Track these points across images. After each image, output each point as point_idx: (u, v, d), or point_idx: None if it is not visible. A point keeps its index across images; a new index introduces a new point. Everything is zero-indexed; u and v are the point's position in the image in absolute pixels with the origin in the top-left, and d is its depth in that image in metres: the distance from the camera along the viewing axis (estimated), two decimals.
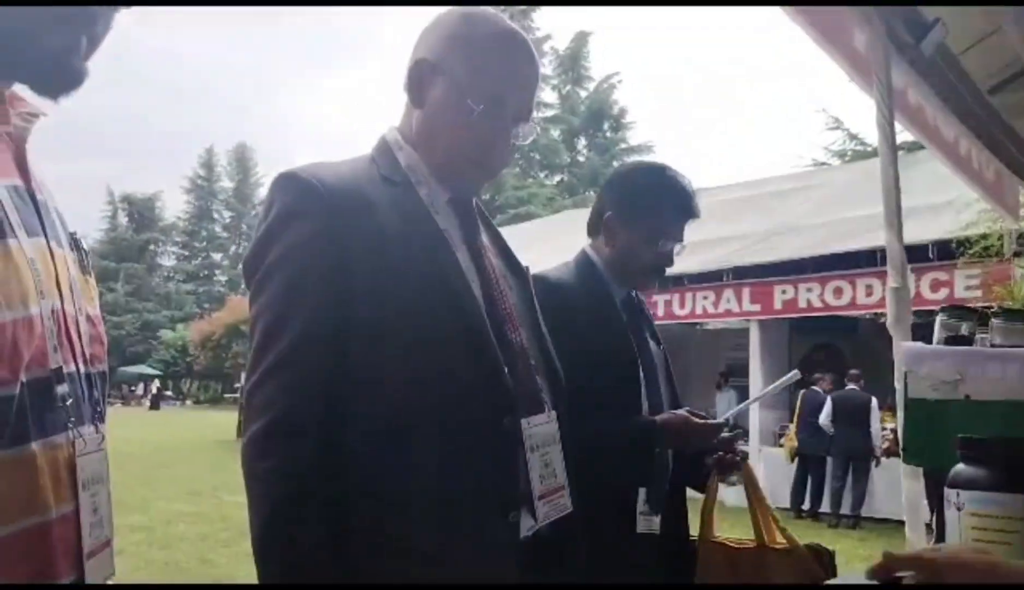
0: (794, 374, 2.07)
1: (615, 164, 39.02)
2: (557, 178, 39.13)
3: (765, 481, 10.74)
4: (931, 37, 2.92)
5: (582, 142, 40.12)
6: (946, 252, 9.00)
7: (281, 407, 1.11)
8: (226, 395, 42.02)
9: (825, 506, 9.89)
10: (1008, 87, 3.81)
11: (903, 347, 1.62)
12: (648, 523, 1.85)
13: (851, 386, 9.78)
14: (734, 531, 2.01)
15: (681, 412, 1.83)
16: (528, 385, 1.26)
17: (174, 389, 48.86)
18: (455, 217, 1.31)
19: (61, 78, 0.86)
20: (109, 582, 0.94)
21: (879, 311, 9.88)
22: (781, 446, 10.93)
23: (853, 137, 22.41)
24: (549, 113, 38.15)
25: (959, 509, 1.02)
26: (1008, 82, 3.78)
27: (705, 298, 11.48)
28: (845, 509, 9.63)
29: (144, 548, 7.11)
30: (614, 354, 1.84)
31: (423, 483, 1.13)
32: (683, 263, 10.95)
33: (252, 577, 1.11)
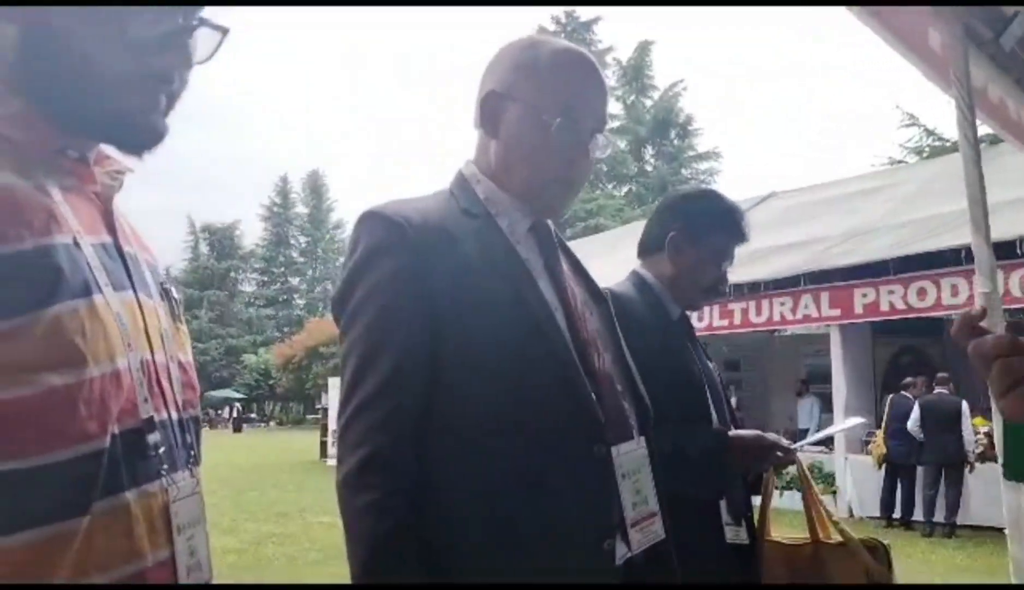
0: (860, 421, 2.09)
1: (683, 172, 38.82)
2: (625, 188, 38.90)
3: (852, 490, 10.46)
4: (1012, 30, 2.84)
5: (649, 151, 39.83)
6: None
7: (375, 444, 1.13)
8: (308, 417, 42.98)
9: (918, 515, 9.55)
10: None
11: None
12: (736, 533, 1.86)
13: (940, 390, 9.47)
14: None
15: (753, 431, 1.87)
16: (615, 412, 1.27)
17: (258, 411, 50.25)
18: (536, 245, 1.33)
19: (143, 137, 0.91)
20: None
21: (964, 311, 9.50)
22: (868, 454, 10.62)
23: (930, 133, 21.74)
24: (615, 124, 38.01)
25: None
26: None
27: (783, 304, 11.23)
28: (939, 517, 9.29)
29: (236, 571, 7.32)
30: (683, 372, 1.89)
31: (517, 514, 1.14)
32: (759, 269, 10.79)
33: None
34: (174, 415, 0.94)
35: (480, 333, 1.18)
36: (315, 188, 64.95)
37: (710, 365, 2.06)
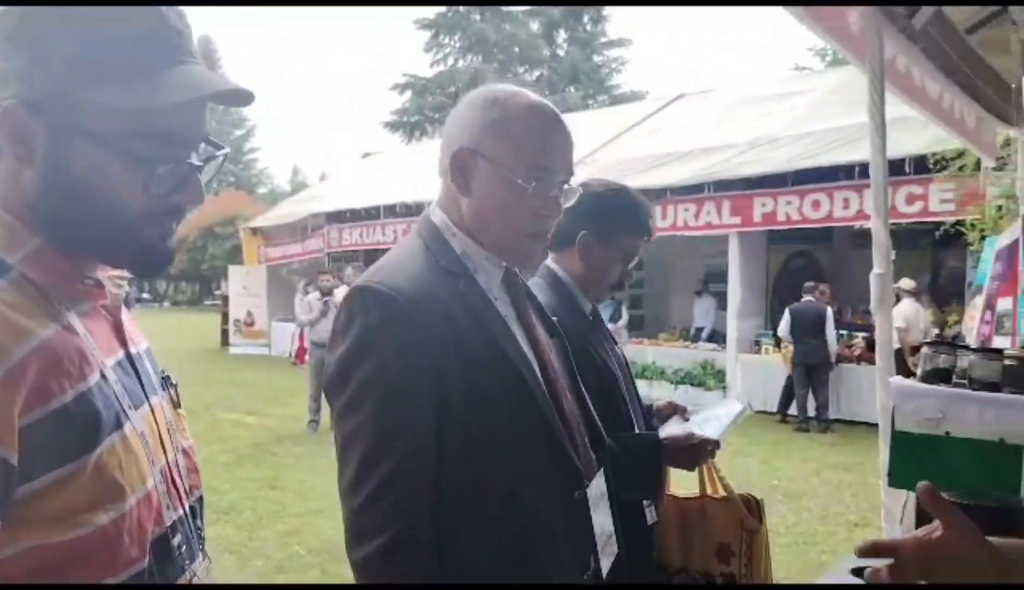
0: (747, 409, 2.25)
1: (595, 58, 38.46)
2: (536, 73, 38.34)
3: (742, 386, 11.19)
4: (923, 12, 2.99)
5: (562, 35, 39.16)
6: (922, 166, 9.15)
7: (397, 527, 1.18)
8: (205, 301, 42.05)
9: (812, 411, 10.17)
10: (986, 25, 3.94)
11: (892, 383, 1.79)
12: (651, 515, 2.06)
13: (807, 297, 9.99)
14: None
15: (682, 431, 2.00)
16: (584, 452, 1.39)
17: (151, 291, 48.72)
18: (508, 298, 1.41)
19: (159, 264, 0.97)
20: None
21: (855, 224, 10.12)
22: (757, 353, 11.33)
23: None
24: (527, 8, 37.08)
25: None
26: (986, 21, 3.90)
27: (687, 210, 11.61)
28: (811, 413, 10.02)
29: None
30: (604, 371, 2.00)
31: (514, 564, 1.24)
32: (666, 175, 11.11)
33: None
34: (186, 505, 1.01)
35: (478, 401, 1.24)
36: (206, 55, 61.33)
37: (618, 351, 2.19)
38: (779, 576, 4.93)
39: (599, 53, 38.53)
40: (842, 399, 10.13)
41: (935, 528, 0.94)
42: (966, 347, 1.76)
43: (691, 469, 2.06)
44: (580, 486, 1.34)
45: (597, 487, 1.40)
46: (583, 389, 1.51)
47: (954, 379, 1.66)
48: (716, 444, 1.99)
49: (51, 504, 0.81)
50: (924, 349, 1.73)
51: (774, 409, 10.41)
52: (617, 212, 2.06)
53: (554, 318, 1.59)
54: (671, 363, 12.14)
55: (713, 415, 2.27)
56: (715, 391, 11.57)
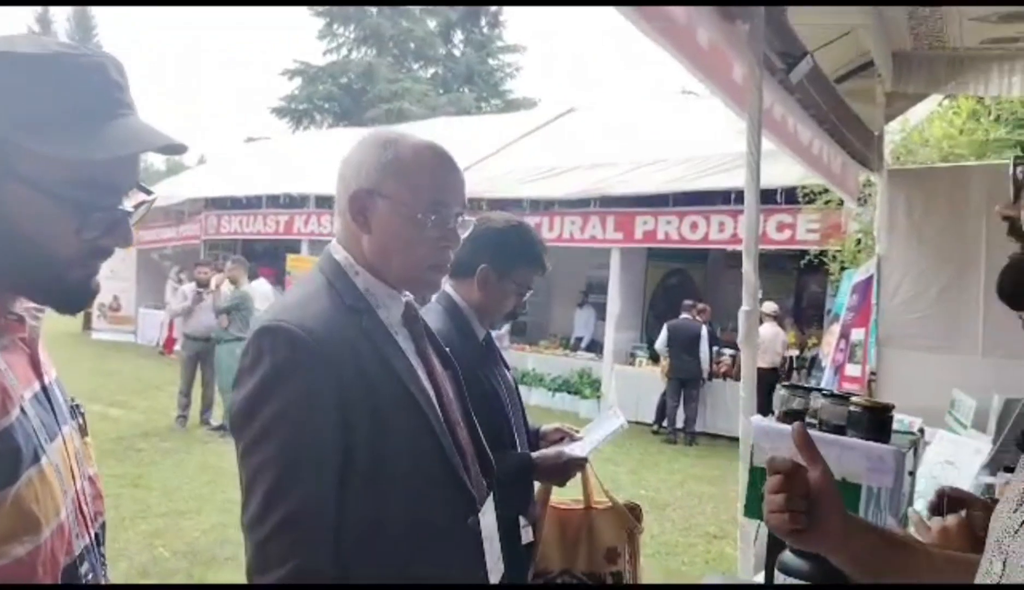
0: (624, 424, 2.44)
1: (490, 61, 38.73)
2: (431, 71, 38.21)
3: (615, 395, 11.57)
4: (800, 68, 3.22)
5: (458, 35, 39.19)
6: (793, 197, 9.75)
7: (301, 559, 1.23)
8: None
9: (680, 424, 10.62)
10: (855, 76, 4.31)
11: (752, 422, 1.94)
12: (527, 533, 2.17)
13: (684, 315, 10.49)
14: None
15: (553, 450, 2.13)
16: (476, 478, 1.47)
17: None
18: (408, 331, 1.48)
19: (83, 301, 0.99)
20: None
21: (729, 246, 10.68)
22: (632, 365, 11.74)
23: None
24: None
25: None
26: (855, 72, 4.27)
27: (573, 223, 11.96)
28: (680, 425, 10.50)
29: None
30: (492, 396, 2.11)
31: (414, 582, 1.32)
32: (554, 187, 11.38)
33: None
34: (91, 533, 1.03)
35: (381, 435, 1.30)
36: (84, 32, 57.88)
37: (508, 375, 2.30)
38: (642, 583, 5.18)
39: (494, 57, 38.74)
40: (708, 413, 10.64)
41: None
42: (819, 390, 1.93)
43: (561, 485, 2.21)
44: (474, 512, 1.42)
45: (489, 513, 1.49)
46: (474, 418, 1.59)
47: (807, 419, 1.83)
48: (584, 461, 2.15)
49: None
50: (781, 391, 1.90)
51: (646, 420, 10.83)
52: (515, 247, 2.19)
53: (448, 346, 1.66)
54: (550, 370, 12.41)
55: (595, 428, 2.44)
56: (590, 400, 11.91)
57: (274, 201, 16.03)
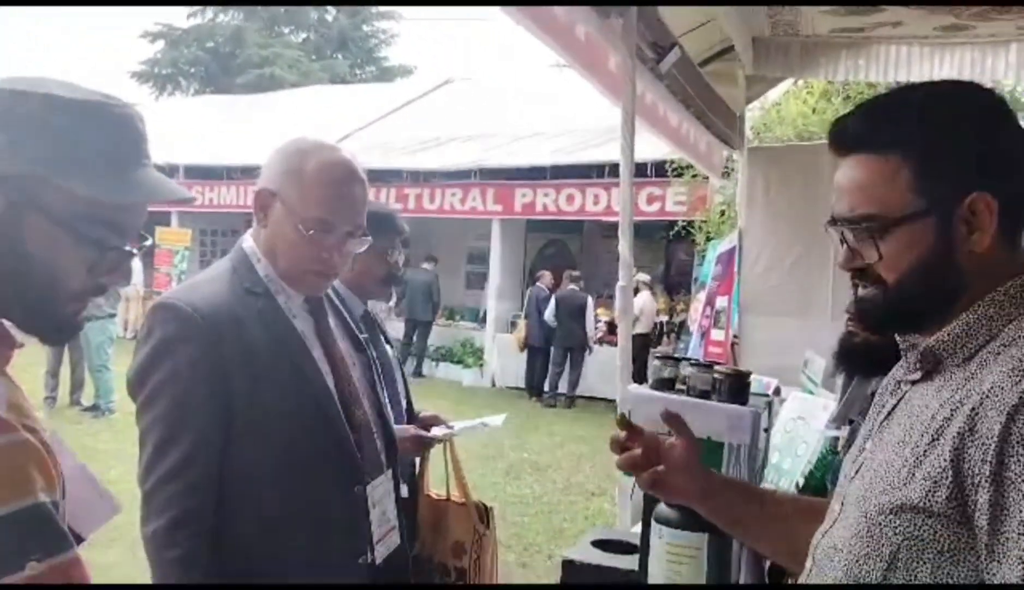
0: (498, 425, 2.63)
1: (364, 27, 37.88)
2: (303, 36, 37.05)
3: (497, 363, 11.86)
4: (669, 58, 3.47)
5: None
6: (662, 171, 10.20)
7: (181, 508, 1.39)
8: None
9: (548, 387, 11.14)
10: (717, 60, 4.62)
11: (629, 390, 2.16)
12: (403, 491, 2.31)
13: (571, 286, 10.90)
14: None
15: (411, 430, 2.31)
16: (371, 454, 1.61)
17: None
18: (309, 316, 1.60)
19: (67, 336, 1.07)
20: None
21: (603, 218, 11.09)
22: (512, 334, 12.05)
23: None
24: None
25: (660, 538, 1.55)
26: (718, 56, 4.58)
27: (453, 195, 12.07)
28: (563, 389, 10.97)
29: None
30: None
31: (295, 544, 1.47)
32: (435, 159, 11.53)
33: None
34: None
35: (265, 406, 1.46)
36: None
37: (388, 350, 2.43)
38: (527, 542, 5.46)
39: (368, 23, 37.92)
40: (587, 377, 11.08)
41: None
42: (687, 359, 2.16)
43: (420, 456, 2.40)
44: (360, 482, 1.56)
45: (382, 485, 1.63)
46: (382, 399, 1.72)
47: (676, 386, 2.06)
48: (430, 440, 2.35)
49: None
50: (654, 361, 2.12)
51: (524, 385, 11.20)
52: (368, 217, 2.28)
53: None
54: (433, 341, 12.55)
55: (471, 423, 2.63)
56: (473, 368, 12.15)
57: None
